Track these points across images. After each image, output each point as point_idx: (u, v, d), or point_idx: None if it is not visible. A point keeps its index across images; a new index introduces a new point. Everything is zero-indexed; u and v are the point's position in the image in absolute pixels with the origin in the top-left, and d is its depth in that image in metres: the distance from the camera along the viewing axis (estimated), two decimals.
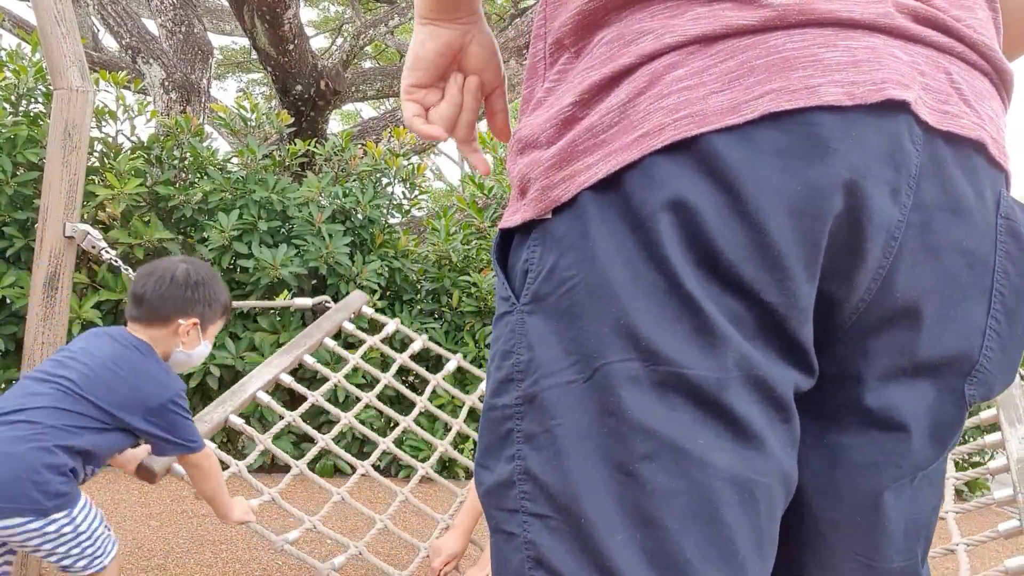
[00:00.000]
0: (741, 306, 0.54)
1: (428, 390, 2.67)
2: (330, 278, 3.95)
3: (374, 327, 2.87)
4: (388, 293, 4.39)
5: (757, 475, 0.54)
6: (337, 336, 2.74)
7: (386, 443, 2.46)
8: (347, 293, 3.98)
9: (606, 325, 0.55)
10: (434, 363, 3.42)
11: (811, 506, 0.63)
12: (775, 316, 0.54)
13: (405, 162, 4.57)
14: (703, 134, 0.53)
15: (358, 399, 2.55)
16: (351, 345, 2.91)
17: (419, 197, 4.77)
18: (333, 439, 2.40)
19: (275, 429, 2.34)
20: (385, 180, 4.52)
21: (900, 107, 0.54)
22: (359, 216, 4.19)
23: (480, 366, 4.28)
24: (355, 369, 2.60)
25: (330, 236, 3.94)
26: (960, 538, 1.78)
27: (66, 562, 1.55)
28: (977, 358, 0.60)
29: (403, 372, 2.91)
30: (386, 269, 4.13)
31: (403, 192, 4.63)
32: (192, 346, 1.73)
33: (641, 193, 0.54)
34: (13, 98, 3.74)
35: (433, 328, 4.25)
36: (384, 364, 3.10)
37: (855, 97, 0.53)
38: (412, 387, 2.83)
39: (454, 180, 19.75)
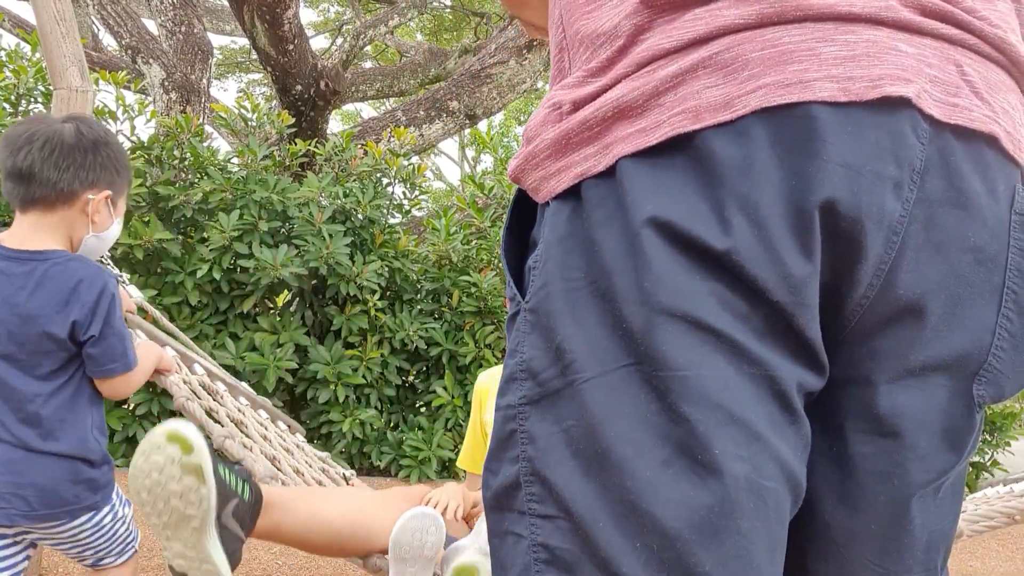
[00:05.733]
0: (746, 305, 0.53)
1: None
2: (330, 278, 3.96)
3: None
4: (388, 293, 4.40)
5: (767, 480, 0.53)
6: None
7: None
8: (347, 293, 4.00)
9: (606, 328, 0.54)
10: None
11: (823, 514, 0.62)
12: (783, 314, 0.54)
13: (405, 162, 4.57)
14: (697, 131, 0.53)
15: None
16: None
17: (419, 197, 4.77)
18: None
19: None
20: (385, 180, 4.52)
21: (900, 103, 0.53)
22: (359, 216, 4.19)
23: (480, 366, 4.28)
24: None
25: (330, 236, 3.94)
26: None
27: (102, 554, 1.45)
28: (985, 358, 0.59)
29: None
30: (386, 269, 4.13)
31: (403, 192, 4.64)
32: (103, 226, 1.39)
33: (635, 191, 0.54)
34: (13, 98, 3.74)
35: (433, 328, 4.26)
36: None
37: (850, 93, 0.52)
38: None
39: (454, 180, 19.76)
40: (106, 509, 1.44)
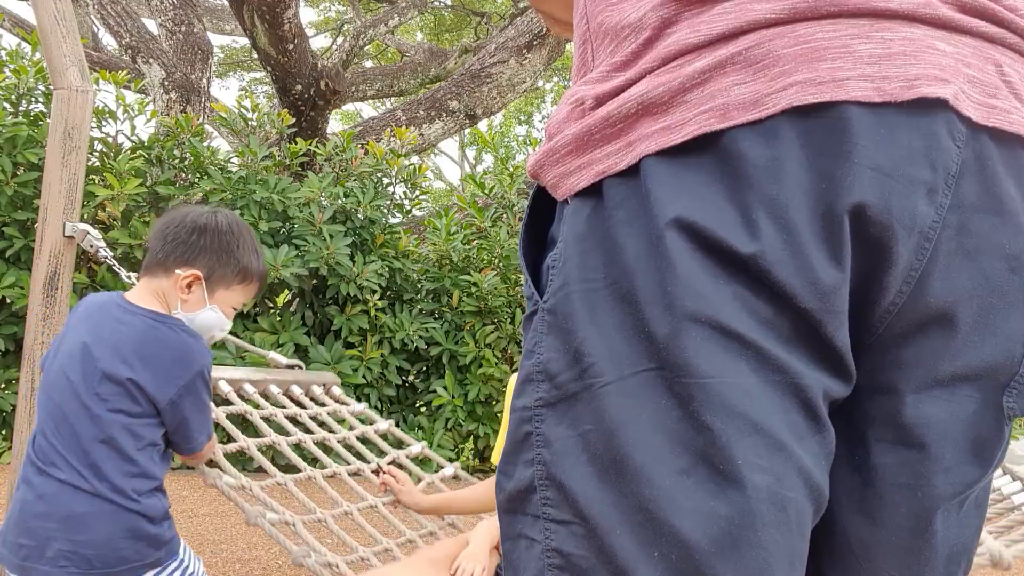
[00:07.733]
0: (772, 311, 0.51)
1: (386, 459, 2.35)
2: (331, 278, 3.95)
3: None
4: (388, 293, 4.39)
5: (789, 491, 0.51)
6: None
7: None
8: (348, 293, 4.00)
9: (626, 331, 0.53)
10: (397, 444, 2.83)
11: (842, 524, 0.60)
12: (810, 321, 0.52)
13: (406, 162, 4.57)
14: (725, 130, 0.52)
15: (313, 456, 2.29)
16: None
17: (420, 197, 4.77)
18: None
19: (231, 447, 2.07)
20: (386, 180, 4.52)
21: (937, 104, 0.51)
22: (360, 216, 4.18)
23: (480, 366, 4.28)
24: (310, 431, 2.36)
25: (331, 236, 3.94)
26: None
27: None
28: (1017, 369, 0.56)
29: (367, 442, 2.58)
30: (386, 269, 4.13)
31: (404, 192, 4.64)
32: (193, 307, 1.40)
33: (659, 190, 0.53)
34: (13, 98, 3.74)
35: (434, 328, 4.25)
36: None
37: (885, 94, 0.50)
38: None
39: (454, 180, 19.77)
40: (173, 565, 1.40)
